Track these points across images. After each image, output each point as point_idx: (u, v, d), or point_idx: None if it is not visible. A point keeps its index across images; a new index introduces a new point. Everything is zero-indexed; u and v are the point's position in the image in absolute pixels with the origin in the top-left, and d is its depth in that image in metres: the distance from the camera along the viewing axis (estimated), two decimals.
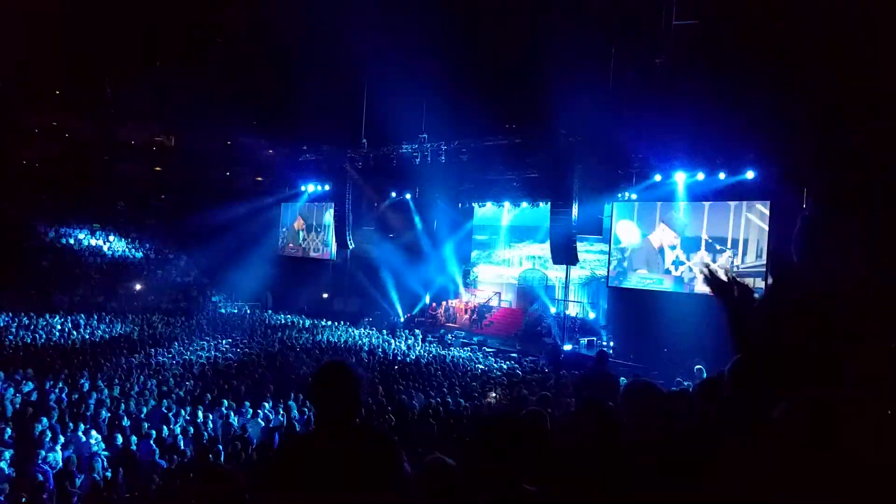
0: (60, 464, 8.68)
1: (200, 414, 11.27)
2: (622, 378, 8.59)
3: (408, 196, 29.38)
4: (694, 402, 3.97)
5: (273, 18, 27.04)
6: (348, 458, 2.56)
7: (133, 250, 33.68)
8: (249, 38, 29.05)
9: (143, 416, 11.13)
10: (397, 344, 22.26)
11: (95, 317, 23.96)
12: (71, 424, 10.25)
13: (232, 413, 11.45)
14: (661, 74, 18.00)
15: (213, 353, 18.72)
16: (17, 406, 11.16)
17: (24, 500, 7.56)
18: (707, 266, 2.88)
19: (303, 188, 32.29)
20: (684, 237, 19.62)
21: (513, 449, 2.49)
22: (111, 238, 33.71)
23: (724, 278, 2.68)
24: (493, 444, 2.51)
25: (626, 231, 21.18)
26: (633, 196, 21.40)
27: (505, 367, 18.75)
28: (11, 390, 11.96)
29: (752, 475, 2.24)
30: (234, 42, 31.74)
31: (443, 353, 20.91)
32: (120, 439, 9.65)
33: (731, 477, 2.34)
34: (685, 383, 11.82)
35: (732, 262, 18.32)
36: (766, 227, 17.76)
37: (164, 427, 10.32)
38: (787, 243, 2.62)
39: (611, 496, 2.63)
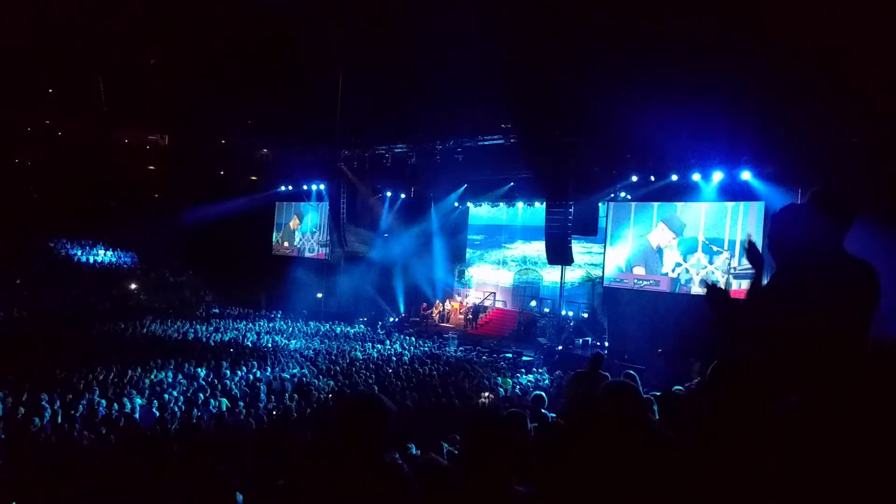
0: None
1: None
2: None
3: (402, 196, 29.34)
4: (671, 404, 4.01)
5: (267, 17, 26.91)
6: (361, 492, 2.54)
7: (125, 250, 33.50)
8: (244, 36, 28.90)
9: None
10: (392, 344, 22.21)
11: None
12: None
13: None
14: (657, 75, 17.98)
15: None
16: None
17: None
18: (705, 281, 2.97)
19: (297, 188, 32.18)
20: (682, 239, 19.60)
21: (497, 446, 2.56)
22: (104, 238, 33.51)
23: (723, 287, 2.75)
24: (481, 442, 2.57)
25: (626, 236, 21.20)
26: (629, 196, 21.41)
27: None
28: None
29: (733, 477, 2.22)
30: (229, 41, 31.60)
31: (437, 353, 20.88)
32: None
33: (709, 477, 2.34)
34: (676, 387, 11.76)
35: (729, 264, 18.32)
36: (762, 229, 17.75)
37: None
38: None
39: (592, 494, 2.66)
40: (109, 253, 33.23)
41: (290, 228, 33.02)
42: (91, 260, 31.98)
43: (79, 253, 32.00)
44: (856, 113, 14.88)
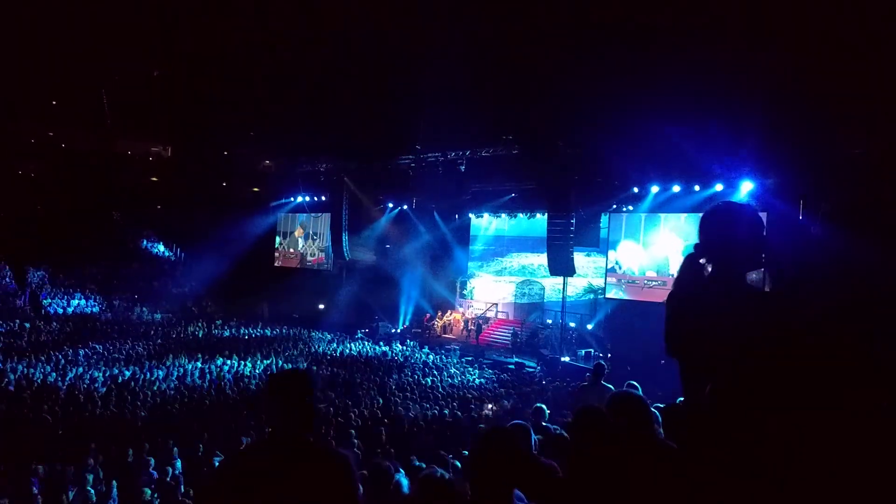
0: None
1: None
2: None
3: (404, 207, 29.37)
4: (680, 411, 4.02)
5: (271, 32, 27.10)
6: (290, 478, 2.32)
7: (128, 261, 33.52)
8: (247, 50, 29.09)
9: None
10: (393, 355, 22.17)
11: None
12: None
13: None
14: (661, 86, 18.06)
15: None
16: None
17: None
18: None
19: (300, 199, 32.22)
20: (688, 244, 19.77)
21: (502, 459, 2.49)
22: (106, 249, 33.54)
23: None
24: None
25: (628, 251, 21.26)
26: (630, 208, 21.45)
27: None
28: None
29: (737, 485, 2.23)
30: (233, 53, 31.81)
31: (439, 364, 20.83)
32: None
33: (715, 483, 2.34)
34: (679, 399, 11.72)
35: None
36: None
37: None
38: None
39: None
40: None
41: (295, 237, 33.04)
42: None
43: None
44: (858, 125, 14.94)
